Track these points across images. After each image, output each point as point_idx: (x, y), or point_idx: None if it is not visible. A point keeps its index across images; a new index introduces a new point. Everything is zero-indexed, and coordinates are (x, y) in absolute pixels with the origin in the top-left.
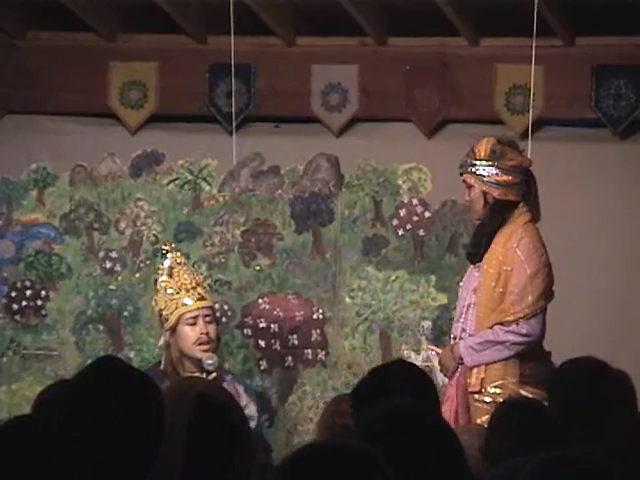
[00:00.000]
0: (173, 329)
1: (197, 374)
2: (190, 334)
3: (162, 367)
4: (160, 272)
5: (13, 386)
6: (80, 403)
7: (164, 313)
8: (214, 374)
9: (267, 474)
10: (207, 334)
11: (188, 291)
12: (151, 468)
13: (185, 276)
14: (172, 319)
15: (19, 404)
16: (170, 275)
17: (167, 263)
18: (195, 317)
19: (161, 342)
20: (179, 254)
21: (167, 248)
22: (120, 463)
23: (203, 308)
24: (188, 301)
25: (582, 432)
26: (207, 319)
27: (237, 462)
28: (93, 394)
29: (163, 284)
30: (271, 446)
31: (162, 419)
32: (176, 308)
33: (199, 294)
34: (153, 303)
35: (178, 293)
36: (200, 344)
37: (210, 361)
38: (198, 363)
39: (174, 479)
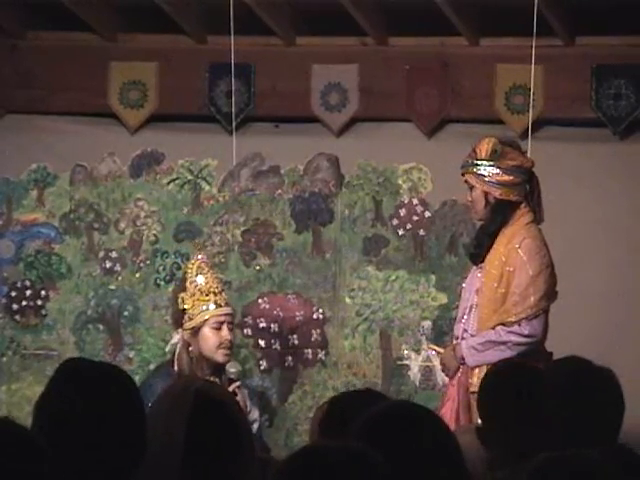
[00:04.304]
0: (196, 329)
1: (213, 378)
2: (214, 338)
3: (176, 367)
4: (190, 271)
5: (13, 386)
6: (50, 409)
7: (189, 312)
8: (238, 382)
9: (267, 473)
10: (230, 340)
11: (216, 295)
12: (135, 464)
13: (212, 279)
14: (198, 319)
15: (19, 404)
16: (199, 275)
17: (197, 264)
18: (222, 322)
19: (175, 340)
20: (206, 258)
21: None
22: (100, 463)
23: (228, 315)
24: (216, 305)
25: (569, 431)
26: (230, 326)
27: (236, 457)
28: (61, 399)
29: (194, 284)
30: (270, 448)
31: (138, 412)
32: (205, 309)
33: (225, 299)
34: (179, 300)
35: (207, 295)
36: (223, 348)
37: (233, 369)
38: (215, 367)
39: (173, 475)
